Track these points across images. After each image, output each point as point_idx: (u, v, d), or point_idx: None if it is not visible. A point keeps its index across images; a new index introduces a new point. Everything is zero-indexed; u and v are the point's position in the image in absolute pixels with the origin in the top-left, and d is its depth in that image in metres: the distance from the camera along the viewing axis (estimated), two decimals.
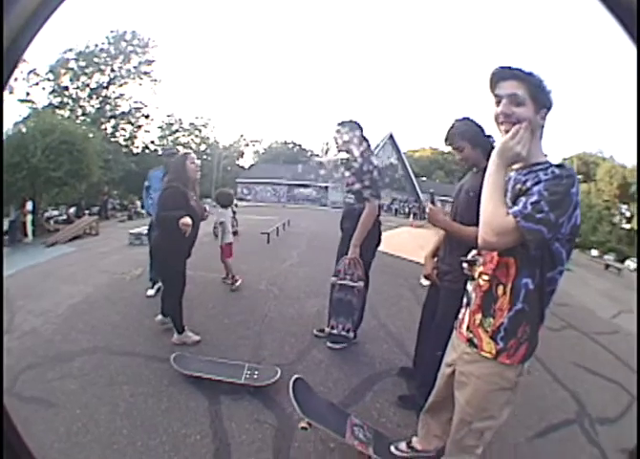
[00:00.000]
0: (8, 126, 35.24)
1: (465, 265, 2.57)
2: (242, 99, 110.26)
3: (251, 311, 6.81)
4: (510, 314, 2.19)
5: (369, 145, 5.11)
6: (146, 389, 4.42)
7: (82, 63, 41.50)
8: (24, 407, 4.13)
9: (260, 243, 13.77)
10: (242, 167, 62.30)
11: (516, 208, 2.00)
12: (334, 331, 5.17)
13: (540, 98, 2.13)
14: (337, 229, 5.48)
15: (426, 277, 4.13)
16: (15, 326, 6.48)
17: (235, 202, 16.68)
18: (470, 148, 3.58)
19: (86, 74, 41.78)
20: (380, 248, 5.30)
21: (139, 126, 46.41)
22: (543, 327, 2.29)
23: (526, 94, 2.11)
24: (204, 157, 54.12)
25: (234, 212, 15.89)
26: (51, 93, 40.55)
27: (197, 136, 55.40)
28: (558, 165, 2.06)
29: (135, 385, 4.49)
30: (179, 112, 68.27)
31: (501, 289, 2.21)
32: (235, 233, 15.67)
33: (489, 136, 3.62)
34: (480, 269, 2.36)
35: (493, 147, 2.25)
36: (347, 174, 5.04)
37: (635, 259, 28.83)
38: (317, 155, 69.53)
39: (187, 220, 4.78)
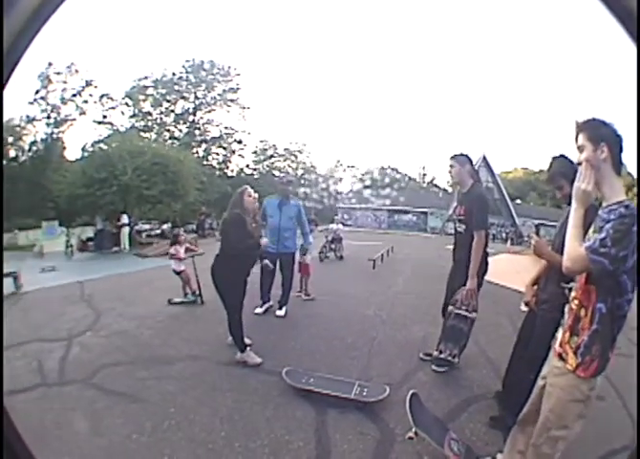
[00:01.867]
0: (85, 145, 38.35)
1: (566, 291, 3.02)
2: (337, 125, 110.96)
3: (360, 334, 7.02)
4: (589, 333, 2.53)
5: (479, 178, 5.59)
6: (252, 397, 4.64)
7: (162, 90, 44.11)
8: (101, 398, 4.54)
9: (366, 268, 13.93)
10: (340, 193, 62.76)
11: (588, 243, 2.43)
12: (442, 355, 5.43)
13: (595, 135, 2.52)
14: (439, 257, 5.88)
15: (526, 304, 4.34)
16: (101, 325, 6.99)
17: (342, 228, 16.81)
18: (569, 186, 3.58)
19: (168, 100, 44.30)
20: None
21: (233, 151, 47.89)
22: (616, 352, 2.61)
23: (585, 139, 2.55)
24: (302, 182, 54.85)
25: (340, 239, 16.18)
26: (132, 117, 43.40)
27: (293, 161, 56.26)
28: (626, 206, 2.38)
29: (239, 393, 4.74)
30: (272, 138, 69.81)
31: (583, 311, 2.58)
32: (341, 258, 15.87)
33: None
34: (573, 294, 2.72)
35: None
36: (459, 205, 5.48)
37: None
38: (415, 180, 69.61)
39: (264, 241, 5.81)
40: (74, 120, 40.38)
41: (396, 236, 34.54)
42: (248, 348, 5.77)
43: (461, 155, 5.43)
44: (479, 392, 5.09)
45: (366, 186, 60.94)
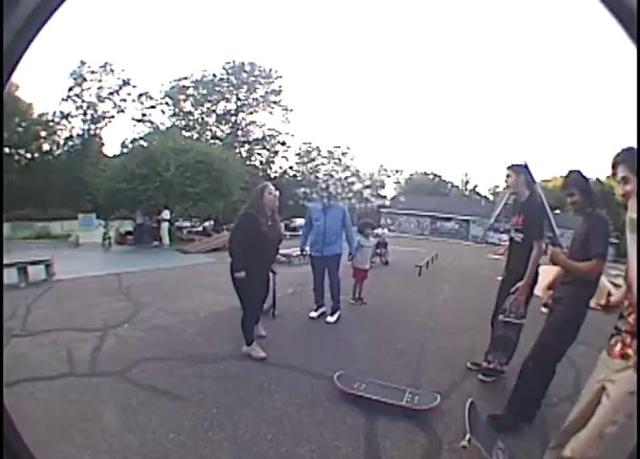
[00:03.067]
0: (124, 141, 39.38)
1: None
2: (381, 129, 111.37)
3: (409, 340, 6.99)
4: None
5: (535, 187, 5.81)
6: (300, 401, 4.58)
7: (203, 91, 45.07)
8: (136, 393, 4.47)
9: (412, 275, 13.89)
10: (384, 197, 62.71)
11: None
12: (491, 365, 5.48)
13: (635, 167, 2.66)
14: (482, 265, 5.98)
15: (544, 306, 4.69)
16: (140, 319, 6.95)
17: (388, 233, 16.65)
18: (579, 195, 4.22)
19: (210, 101, 45.26)
20: None
21: (276, 152, 48.26)
22: None
23: (627, 171, 2.70)
24: (346, 185, 54.99)
25: (386, 243, 16.06)
26: (172, 115, 44.69)
27: (337, 164, 56.40)
28: None
29: (288, 396, 4.67)
30: (315, 140, 70.00)
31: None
32: (386, 263, 15.80)
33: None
34: (630, 310, 2.91)
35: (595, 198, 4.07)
36: (517, 214, 5.48)
37: None
38: (457, 187, 69.38)
39: (240, 275, 5.50)
40: (113, 117, 42.43)
41: (439, 243, 34.56)
42: (255, 342, 5.85)
43: (518, 165, 5.60)
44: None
45: (409, 192, 61.06)
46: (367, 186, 54.20)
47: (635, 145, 2.24)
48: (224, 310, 7.63)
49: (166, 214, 21.13)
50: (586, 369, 4.15)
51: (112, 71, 41.42)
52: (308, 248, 8.05)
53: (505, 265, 5.67)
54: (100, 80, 41.49)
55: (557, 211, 52.96)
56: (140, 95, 43.10)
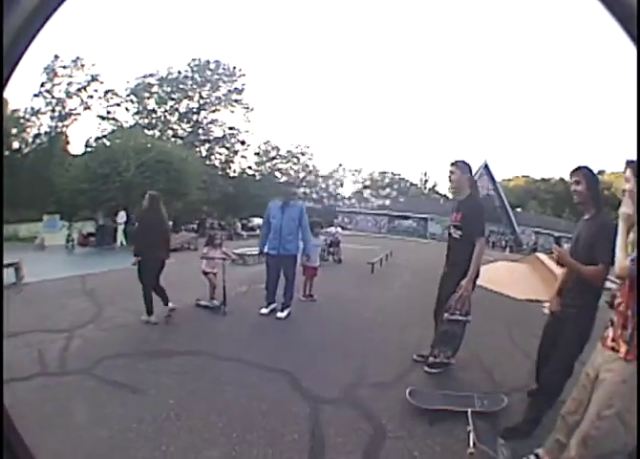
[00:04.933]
0: (89, 140, 38.38)
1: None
2: (340, 128, 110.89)
3: (357, 335, 7.26)
4: (632, 325, 3.08)
5: (477, 186, 6.03)
6: (249, 392, 4.78)
7: (167, 88, 44.13)
8: (102, 389, 4.68)
9: (364, 272, 14.12)
10: (342, 196, 62.70)
11: (631, 256, 3.01)
12: (437, 359, 5.64)
13: None
14: (437, 262, 6.10)
15: (552, 313, 4.65)
16: (104, 318, 7.19)
17: (341, 231, 16.76)
18: (584, 184, 4.31)
19: (173, 99, 44.35)
20: (478, 281, 5.81)
21: (235, 151, 47.86)
22: None
23: (630, 173, 3.11)
24: (304, 184, 54.98)
25: (338, 242, 16.23)
26: (136, 113, 43.48)
27: (295, 163, 56.31)
28: None
29: (237, 387, 4.88)
30: (275, 139, 69.62)
31: (629, 311, 3.11)
32: (339, 261, 15.97)
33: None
34: (619, 300, 3.23)
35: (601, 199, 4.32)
36: (455, 211, 5.68)
37: None
38: (416, 185, 69.57)
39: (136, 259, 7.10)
40: (79, 114, 40.61)
41: (396, 241, 34.60)
42: (154, 314, 7.03)
43: (462, 162, 5.69)
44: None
45: (365, 187, 61.04)
46: (323, 183, 54.39)
47: (635, 146, 2.50)
48: (180, 308, 7.78)
49: (122, 216, 20.99)
50: None
51: (82, 66, 39.86)
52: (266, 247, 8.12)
53: (445, 261, 5.87)
54: (71, 76, 39.95)
55: (518, 210, 53.62)
56: (107, 91, 41.78)
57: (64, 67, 39.49)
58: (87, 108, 40.70)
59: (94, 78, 40.44)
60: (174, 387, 4.76)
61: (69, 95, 39.83)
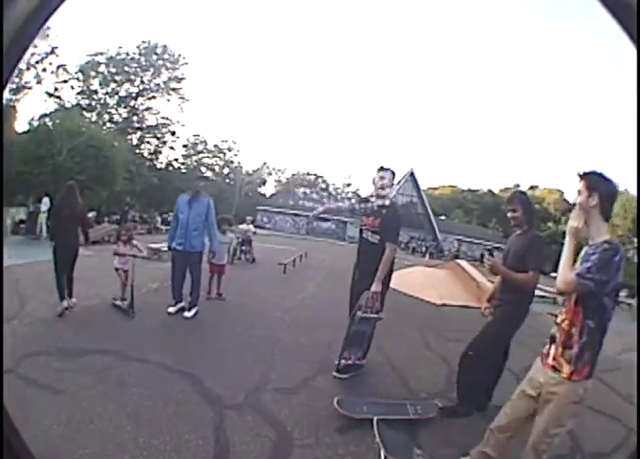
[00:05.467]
0: (34, 117, 35.64)
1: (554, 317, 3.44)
2: (267, 127, 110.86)
3: (265, 336, 7.24)
4: (579, 345, 3.03)
5: (395, 195, 5.92)
6: (155, 394, 4.72)
7: (113, 69, 42.37)
8: (26, 389, 4.50)
9: (277, 273, 14.14)
10: (263, 195, 62.43)
11: (577, 270, 2.95)
12: (349, 362, 5.70)
13: (591, 185, 3.06)
14: (352, 265, 6.15)
15: (484, 315, 5.18)
16: (26, 313, 6.94)
17: (253, 229, 16.55)
18: (521, 212, 4.83)
19: (116, 81, 42.59)
20: (394, 286, 6.33)
21: (165, 142, 46.71)
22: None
23: (582, 186, 3.08)
24: (227, 181, 54.54)
25: (250, 241, 15.96)
26: (79, 93, 41.48)
27: (221, 159, 55.80)
28: (609, 243, 2.95)
29: (144, 389, 4.80)
30: (205, 132, 68.68)
31: (574, 329, 3.07)
32: (253, 261, 15.82)
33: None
34: (562, 317, 3.21)
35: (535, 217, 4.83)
36: (373, 216, 5.81)
37: None
38: (338, 189, 69.94)
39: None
40: (31, 88, 37.64)
41: (314, 243, 34.89)
42: (65, 300, 7.06)
43: (388, 169, 5.87)
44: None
45: (289, 191, 61.08)
46: (247, 183, 54.18)
47: (636, 146, 2.58)
48: (94, 304, 7.78)
49: (45, 203, 18.99)
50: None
51: (47, 35, 36.21)
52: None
53: (356, 264, 6.06)
54: (36, 45, 35.68)
55: (442, 217, 54.66)
56: (59, 66, 39.30)
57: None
58: (39, 82, 38.05)
59: (52, 51, 37.78)
60: (86, 388, 4.67)
61: (28, 66, 36.84)
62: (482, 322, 4.90)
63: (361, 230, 5.97)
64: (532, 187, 65.92)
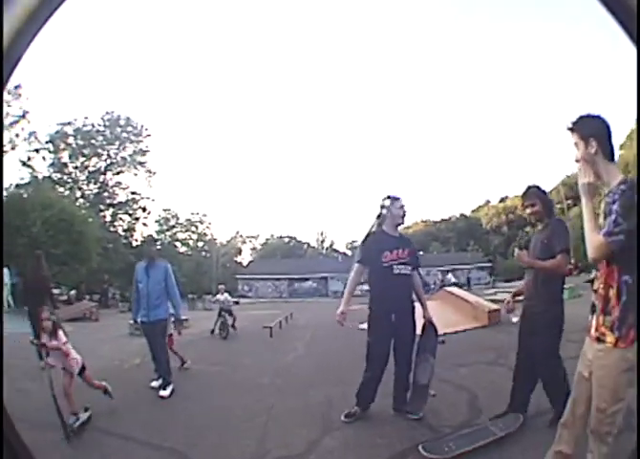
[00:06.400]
0: (10, 184, 34.43)
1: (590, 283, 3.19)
2: (235, 197, 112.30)
3: (254, 404, 6.52)
4: (620, 307, 2.75)
5: None
6: None
7: (80, 142, 42.18)
8: None
9: (262, 337, 13.69)
10: (240, 264, 62.56)
11: (603, 230, 2.70)
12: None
13: (584, 133, 2.87)
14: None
15: (508, 311, 5.30)
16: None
17: (227, 297, 16.00)
18: (540, 205, 4.82)
19: (84, 155, 42.53)
20: None
21: (137, 218, 46.47)
22: None
23: (577, 138, 2.90)
24: (203, 253, 54.45)
25: (230, 311, 15.21)
26: (50, 165, 41.09)
27: (194, 232, 55.69)
28: (624, 182, 2.73)
29: None
30: (175, 206, 69.12)
31: (611, 291, 2.80)
32: (234, 328, 14.97)
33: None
34: (597, 282, 2.95)
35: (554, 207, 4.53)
36: (397, 248, 5.56)
37: None
38: (313, 247, 70.36)
39: None
40: (6, 152, 35.38)
41: (297, 304, 35.06)
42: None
43: (398, 198, 5.77)
44: (398, 450, 4.64)
45: (264, 257, 61.58)
46: (223, 254, 54.24)
47: (635, 146, 2.28)
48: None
49: (5, 274, 16.92)
50: None
51: (20, 95, 34.78)
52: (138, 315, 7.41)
53: (398, 297, 5.53)
54: (10, 105, 33.99)
55: (420, 253, 55.03)
56: (30, 133, 38.55)
57: (8, 92, 33.04)
58: (13, 148, 36.62)
59: (24, 115, 36.40)
60: None
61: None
62: (483, 338, 4.45)
63: (392, 266, 5.47)
64: (502, 200, 68.65)
